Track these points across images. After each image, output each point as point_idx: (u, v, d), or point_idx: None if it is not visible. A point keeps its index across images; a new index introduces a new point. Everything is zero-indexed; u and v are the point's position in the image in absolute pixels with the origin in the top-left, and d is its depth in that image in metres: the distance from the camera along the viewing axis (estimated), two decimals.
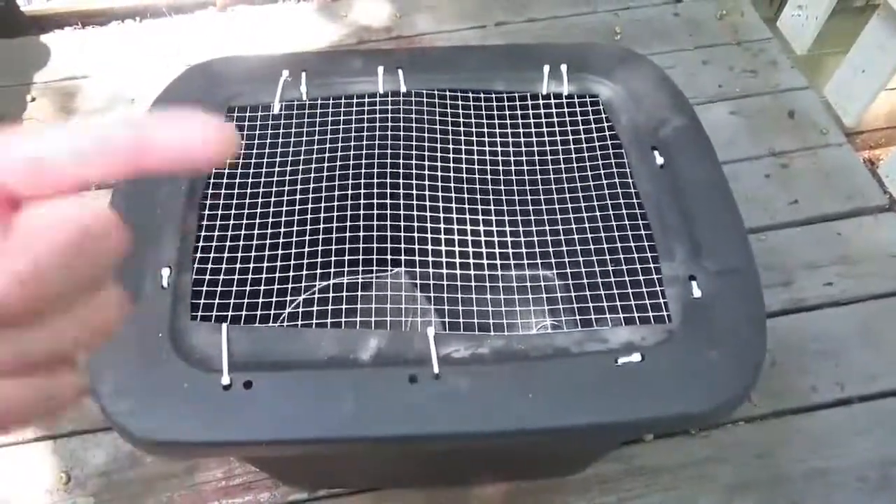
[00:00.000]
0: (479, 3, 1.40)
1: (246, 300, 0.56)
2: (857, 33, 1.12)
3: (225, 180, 0.62)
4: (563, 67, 0.68)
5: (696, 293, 0.53)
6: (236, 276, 0.57)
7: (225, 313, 0.55)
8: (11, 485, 0.83)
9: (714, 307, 0.53)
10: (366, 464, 0.72)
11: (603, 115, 0.66)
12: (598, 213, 0.62)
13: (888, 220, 1.06)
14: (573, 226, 0.62)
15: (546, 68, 0.68)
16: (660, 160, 0.62)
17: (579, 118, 0.67)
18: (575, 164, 0.65)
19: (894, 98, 1.58)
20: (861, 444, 0.86)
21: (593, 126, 0.66)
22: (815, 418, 0.89)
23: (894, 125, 1.32)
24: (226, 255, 0.58)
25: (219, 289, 0.56)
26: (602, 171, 0.64)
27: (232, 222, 0.60)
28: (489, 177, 0.65)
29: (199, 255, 0.57)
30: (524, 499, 0.81)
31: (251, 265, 0.58)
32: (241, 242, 0.59)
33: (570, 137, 0.66)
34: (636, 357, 0.50)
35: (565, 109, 0.67)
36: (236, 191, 0.62)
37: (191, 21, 1.38)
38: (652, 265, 0.56)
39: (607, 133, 0.65)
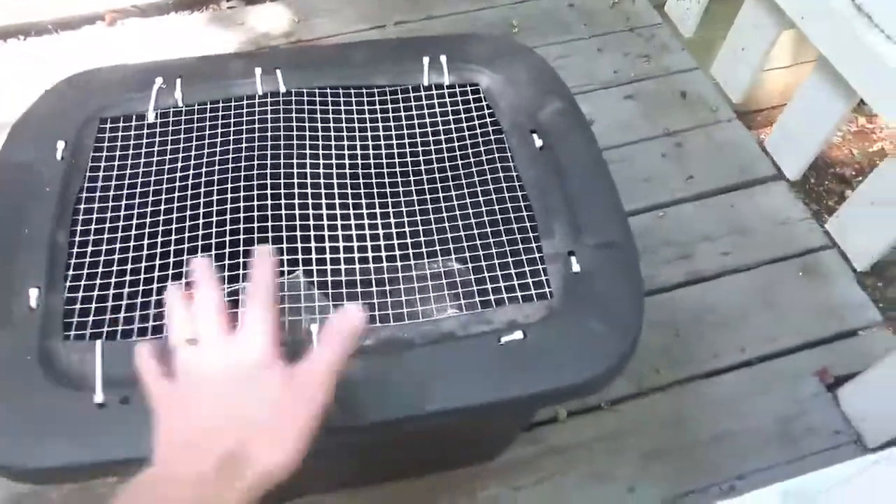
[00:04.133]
0: (378, 4, 1.39)
1: (122, 314, 0.54)
2: (735, 14, 1.17)
3: (99, 194, 0.60)
4: (443, 58, 0.69)
5: (576, 268, 0.55)
6: (111, 291, 0.55)
7: (101, 330, 0.53)
8: None
9: (592, 280, 0.54)
10: None
11: (484, 103, 0.67)
12: (481, 199, 0.62)
13: (777, 190, 1.12)
14: (458, 212, 0.63)
15: (426, 60, 0.69)
16: (539, 143, 0.63)
17: (461, 107, 0.68)
18: (458, 153, 0.66)
19: (787, 76, 1.67)
20: (763, 403, 0.90)
21: (475, 114, 0.67)
22: (719, 383, 0.92)
23: (786, 102, 1.39)
24: (100, 269, 0.56)
25: (93, 305, 0.54)
26: (484, 157, 0.65)
27: (107, 236, 0.58)
28: (375, 171, 0.65)
29: (71, 272, 0.54)
30: (443, 492, 0.82)
31: (127, 278, 0.56)
32: (117, 256, 0.57)
33: (453, 126, 0.67)
34: (518, 335, 0.51)
35: (447, 100, 0.68)
36: (111, 203, 0.60)
37: (78, 37, 1.33)
38: (534, 244, 0.58)
39: (488, 120, 0.66)
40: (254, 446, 0.37)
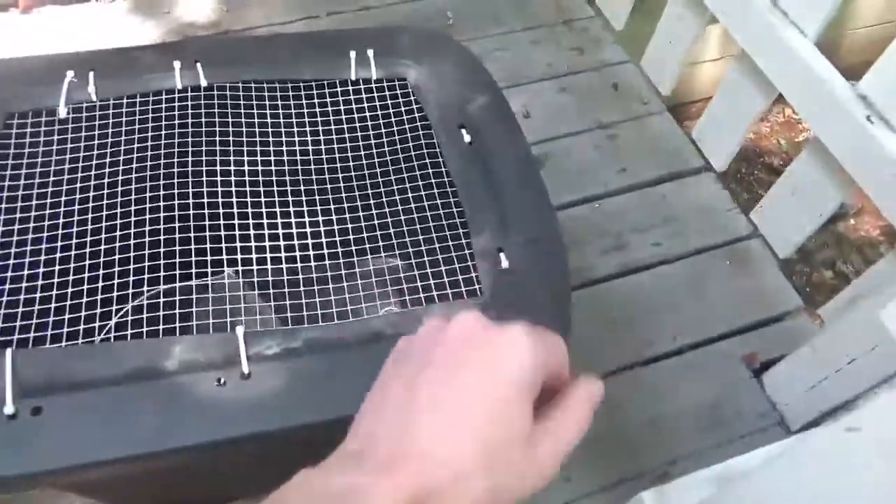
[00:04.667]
0: None
1: (35, 321, 0.51)
2: (663, 7, 1.19)
3: (6, 194, 0.57)
4: (370, 52, 0.68)
5: (505, 264, 0.55)
6: (22, 297, 0.52)
7: (11, 337, 0.50)
8: None
9: (522, 276, 0.54)
10: (212, 478, 0.69)
11: (412, 98, 0.66)
12: (410, 195, 0.62)
13: (705, 181, 1.15)
14: (389, 209, 0.62)
15: (353, 54, 0.68)
16: (467, 138, 0.63)
17: (389, 101, 0.67)
18: (387, 148, 0.65)
19: (716, 69, 1.72)
20: (694, 389, 0.93)
21: (402, 109, 0.66)
22: (652, 370, 0.94)
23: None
24: (9, 274, 0.53)
25: (2, 311, 0.51)
26: (413, 153, 0.64)
27: (16, 238, 0.55)
28: (302, 167, 0.64)
29: None
30: None
31: (39, 283, 0.54)
32: (28, 259, 0.54)
33: (382, 122, 0.66)
34: None
35: (375, 94, 0.67)
36: (19, 204, 0.57)
37: None
38: (464, 241, 0.57)
39: (416, 115, 0.66)
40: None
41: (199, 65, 0.65)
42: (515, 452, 0.27)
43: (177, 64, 0.64)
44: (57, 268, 0.55)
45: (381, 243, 0.61)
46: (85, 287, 0.54)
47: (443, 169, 0.61)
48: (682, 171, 1.16)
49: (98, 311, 0.54)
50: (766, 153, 1.80)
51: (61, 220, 0.57)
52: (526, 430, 0.27)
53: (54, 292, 0.53)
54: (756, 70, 0.94)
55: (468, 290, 0.55)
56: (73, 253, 0.55)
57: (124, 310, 0.60)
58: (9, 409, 0.45)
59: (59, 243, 0.56)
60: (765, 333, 0.98)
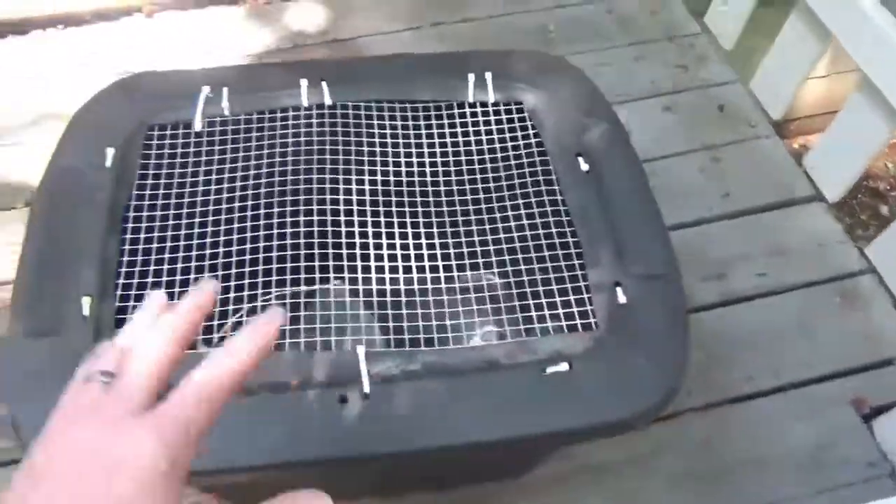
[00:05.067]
0: (413, 4, 1.39)
1: None
2: (779, 27, 1.15)
3: (147, 202, 0.61)
4: (488, 75, 0.69)
5: (622, 299, 0.54)
6: None
7: None
8: None
9: (639, 313, 0.54)
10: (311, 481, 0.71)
11: (528, 123, 0.67)
12: (525, 222, 0.62)
13: (815, 210, 1.10)
14: (503, 234, 0.63)
15: (471, 77, 0.68)
16: (585, 166, 0.62)
17: (505, 126, 0.67)
18: (503, 173, 0.66)
19: (822, 86, 1.64)
20: (796, 430, 0.89)
21: (519, 134, 0.67)
22: (751, 407, 0.91)
23: (825, 111, 1.36)
24: (150, 279, 0.56)
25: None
26: (529, 179, 0.64)
27: (155, 245, 0.59)
28: (419, 189, 0.65)
29: (122, 280, 0.55)
30: None
31: (176, 290, 0.57)
32: (166, 266, 0.58)
33: (497, 146, 0.67)
34: (564, 366, 0.50)
35: (491, 118, 0.68)
36: (159, 212, 0.60)
37: (116, 28, 1.33)
38: (579, 272, 0.57)
39: (533, 140, 0.66)
40: None
41: (324, 83, 0.67)
42: None
43: (303, 82, 0.67)
44: (192, 276, 0.58)
45: (494, 269, 0.61)
46: (219, 296, 0.56)
47: (558, 197, 0.61)
48: (790, 199, 1.11)
49: (216, 320, 0.57)
50: (870, 176, 1.71)
51: (196, 230, 0.60)
52: None
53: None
54: (879, 97, 0.89)
55: (583, 323, 0.54)
56: (206, 262, 0.58)
57: (239, 314, 0.63)
58: None
59: (194, 252, 0.59)
60: (876, 376, 0.93)
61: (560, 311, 0.56)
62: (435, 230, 0.63)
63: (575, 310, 0.55)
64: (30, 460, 0.27)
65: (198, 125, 0.65)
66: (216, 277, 0.58)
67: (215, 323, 0.57)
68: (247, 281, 0.58)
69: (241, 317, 0.58)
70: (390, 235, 0.62)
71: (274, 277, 0.59)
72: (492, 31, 1.35)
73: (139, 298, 0.55)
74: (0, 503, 0.25)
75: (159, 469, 0.26)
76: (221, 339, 0.59)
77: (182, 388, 0.28)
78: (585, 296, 0.55)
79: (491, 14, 1.38)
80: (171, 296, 0.56)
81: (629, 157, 0.63)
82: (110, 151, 0.61)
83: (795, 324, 0.98)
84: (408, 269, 0.62)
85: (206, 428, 0.28)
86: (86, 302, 0.52)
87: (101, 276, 0.54)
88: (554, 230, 0.60)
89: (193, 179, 0.63)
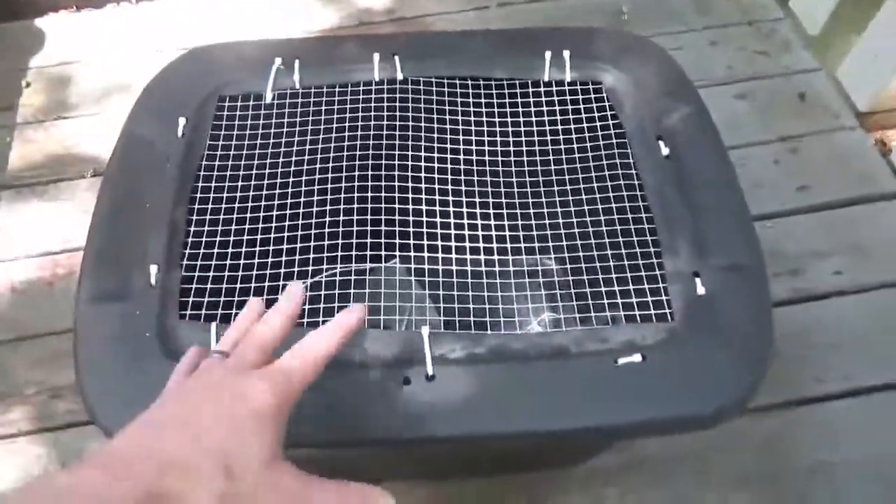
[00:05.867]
0: None
1: (236, 298, 0.54)
2: (872, 13, 1.08)
3: (215, 173, 0.60)
4: (566, 53, 0.66)
5: (700, 290, 0.52)
6: (226, 273, 0.55)
7: (215, 312, 0.53)
8: (4, 479, 0.82)
9: (718, 306, 0.51)
10: (363, 460, 0.71)
11: (606, 103, 0.64)
12: (599, 206, 0.60)
13: None
14: (575, 219, 0.60)
15: (548, 54, 0.66)
16: (665, 150, 0.60)
17: (581, 106, 0.65)
18: (577, 154, 0.63)
19: None
20: (868, 438, 0.84)
21: (596, 114, 0.64)
22: (820, 410, 0.87)
23: None
24: (216, 250, 0.56)
25: (209, 286, 0.54)
26: (605, 161, 0.62)
27: (222, 217, 0.58)
28: (489, 168, 0.63)
29: (188, 250, 0.55)
30: (523, 491, 0.81)
31: (241, 261, 0.57)
32: (232, 238, 0.58)
33: (573, 126, 0.64)
34: (637, 357, 0.48)
35: (567, 97, 0.65)
36: (227, 184, 0.60)
37: (187, 3, 1.35)
38: (654, 260, 0.54)
39: (610, 122, 0.63)
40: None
41: (396, 58, 0.65)
42: (252, 472, 0.30)
43: (376, 56, 0.66)
44: (257, 248, 0.57)
45: (565, 254, 0.59)
46: (283, 270, 0.56)
47: (635, 182, 0.59)
48: (873, 194, 1.05)
49: (279, 293, 0.57)
50: None
51: (263, 203, 0.60)
52: (264, 456, 0.31)
53: (255, 272, 0.56)
54: None
55: (657, 314, 0.52)
56: (272, 235, 0.58)
57: (305, 285, 0.62)
58: None
59: (260, 224, 0.59)
60: None
61: (633, 300, 0.53)
62: (505, 211, 0.62)
63: (649, 299, 0.52)
64: (146, 412, 0.33)
65: (269, 97, 0.64)
66: (281, 251, 0.58)
67: (278, 297, 0.57)
68: (311, 256, 0.58)
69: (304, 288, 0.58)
70: (458, 215, 0.61)
71: (339, 253, 0.58)
72: (562, 13, 1.31)
73: (205, 269, 0.55)
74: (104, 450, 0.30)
75: (269, 404, 0.32)
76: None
77: (286, 354, 0.36)
78: (661, 285, 0.53)
79: None
80: (236, 267, 0.56)
81: (713, 142, 0.60)
82: (182, 121, 0.61)
83: (871, 326, 0.93)
84: (475, 251, 0.60)
85: (307, 381, 0.35)
86: (153, 270, 0.52)
87: (168, 245, 0.54)
88: (630, 216, 0.58)
89: (262, 151, 0.63)
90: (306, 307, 0.55)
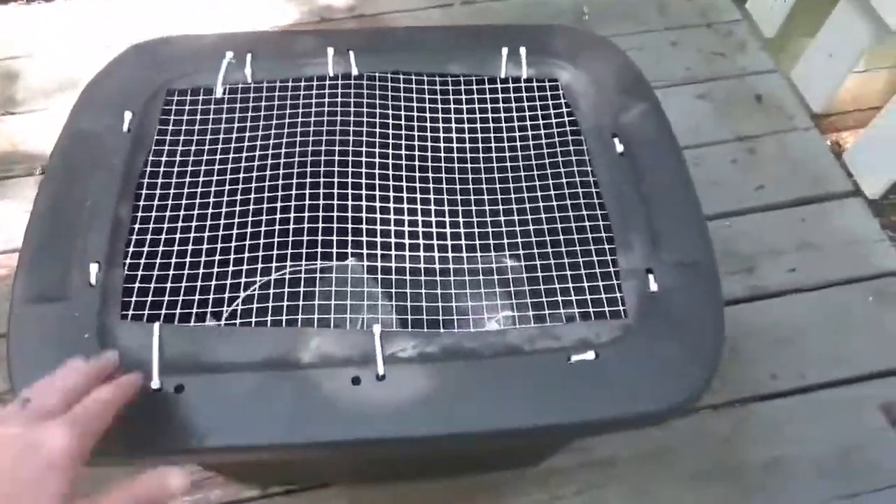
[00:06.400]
0: None
1: (181, 297, 0.53)
2: (825, 17, 1.10)
3: (162, 169, 0.59)
4: (523, 50, 0.66)
5: (653, 287, 0.52)
6: (171, 272, 0.54)
7: (158, 312, 0.52)
8: None
9: (671, 302, 0.51)
10: (318, 462, 0.69)
11: (562, 101, 0.64)
12: (555, 203, 0.59)
13: (852, 207, 1.06)
14: (530, 216, 0.60)
15: (505, 51, 0.65)
16: (620, 148, 0.60)
17: (538, 103, 0.64)
18: (532, 151, 0.63)
19: (862, 81, 1.59)
20: (820, 432, 0.86)
21: (552, 111, 0.64)
22: (775, 406, 0.88)
23: (861, 108, 1.31)
24: (161, 248, 0.55)
25: (152, 285, 0.53)
26: (560, 158, 0.61)
27: (169, 213, 0.57)
28: (444, 164, 0.63)
29: (132, 248, 0.53)
30: (482, 493, 0.80)
31: (187, 259, 0.55)
32: (179, 235, 0.56)
33: (529, 123, 0.64)
34: (590, 355, 0.48)
35: (524, 94, 0.65)
36: (174, 179, 0.58)
37: None
38: (609, 257, 0.54)
39: (566, 119, 0.63)
40: None
41: (351, 53, 0.64)
42: None
43: (330, 51, 0.64)
44: (205, 246, 0.56)
45: (519, 251, 0.59)
46: (231, 268, 0.55)
47: (590, 178, 0.59)
48: (826, 193, 1.07)
49: (227, 292, 0.55)
50: None
51: (211, 199, 0.58)
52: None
53: (202, 271, 0.55)
54: None
55: (611, 311, 0.52)
56: (220, 233, 0.57)
57: (251, 289, 0.61)
58: (155, 383, 0.46)
59: (208, 221, 0.57)
60: None
61: (588, 296, 0.53)
62: (459, 208, 0.61)
63: (603, 296, 0.52)
64: None
65: (219, 91, 0.63)
66: (229, 248, 0.56)
67: (226, 296, 0.55)
68: (261, 253, 0.56)
69: (254, 290, 0.56)
70: (413, 212, 0.60)
71: (290, 251, 0.57)
72: (524, 12, 1.31)
73: (149, 267, 0.53)
74: None
75: (66, 447, 0.35)
76: (234, 312, 0.57)
77: (83, 400, 0.39)
78: (615, 282, 0.53)
79: None
80: (182, 266, 0.55)
81: (667, 140, 0.60)
82: (128, 115, 0.59)
83: (825, 323, 0.95)
84: (429, 248, 0.59)
85: (105, 424, 0.39)
86: (93, 269, 0.50)
87: (110, 243, 0.52)
88: (585, 212, 0.57)
89: (212, 147, 0.61)
90: (254, 306, 0.54)
